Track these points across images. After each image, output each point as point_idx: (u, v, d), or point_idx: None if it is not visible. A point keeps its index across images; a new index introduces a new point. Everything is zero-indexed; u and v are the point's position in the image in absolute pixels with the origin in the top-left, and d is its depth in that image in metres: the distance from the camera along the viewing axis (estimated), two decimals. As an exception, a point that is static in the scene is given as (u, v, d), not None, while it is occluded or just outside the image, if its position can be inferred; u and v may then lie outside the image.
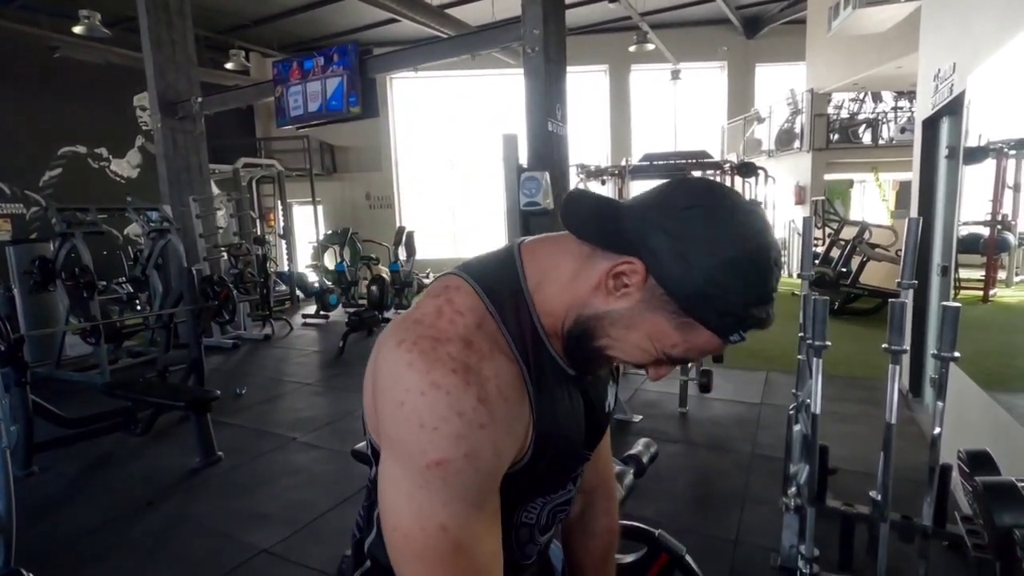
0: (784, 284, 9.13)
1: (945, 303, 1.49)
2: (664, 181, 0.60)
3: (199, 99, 6.28)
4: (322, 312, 7.64)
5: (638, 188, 9.34)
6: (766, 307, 0.55)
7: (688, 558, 1.14)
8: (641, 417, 3.60)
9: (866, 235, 6.54)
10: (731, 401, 3.89)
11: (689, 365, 3.80)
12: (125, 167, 9.77)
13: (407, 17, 8.57)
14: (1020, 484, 1.11)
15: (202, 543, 2.42)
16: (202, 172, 6.61)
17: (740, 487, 2.73)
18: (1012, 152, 2.74)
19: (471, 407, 0.52)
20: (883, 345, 1.57)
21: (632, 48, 10.01)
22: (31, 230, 8.21)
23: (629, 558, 1.28)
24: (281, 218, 9.11)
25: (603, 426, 0.74)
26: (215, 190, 7.80)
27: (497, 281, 0.60)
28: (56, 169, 8.81)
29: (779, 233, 10.35)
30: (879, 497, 1.69)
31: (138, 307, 6.67)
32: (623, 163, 8.66)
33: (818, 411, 1.73)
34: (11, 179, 8.22)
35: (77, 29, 7.48)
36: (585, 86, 12.20)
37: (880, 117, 10.44)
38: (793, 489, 2.06)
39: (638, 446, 2.01)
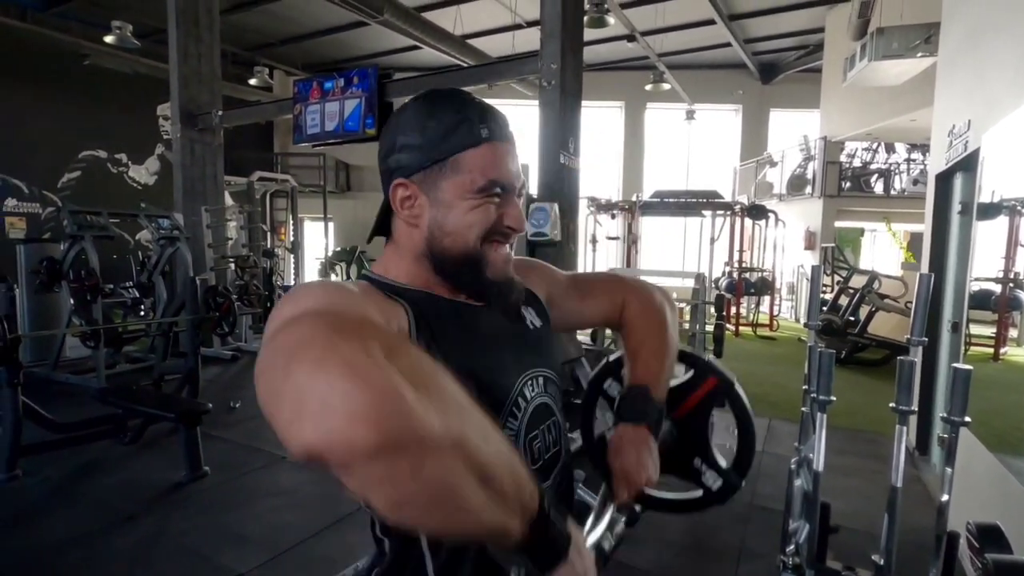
0: (792, 329, 9.04)
1: (956, 365, 1.44)
2: None
3: (220, 112, 6.39)
4: (324, 329, 7.61)
5: (648, 223, 9.38)
6: (471, 103, 0.66)
7: (738, 387, 1.01)
8: (638, 458, 3.50)
9: (875, 285, 6.48)
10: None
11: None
12: (143, 174, 9.92)
13: (429, 45, 8.76)
14: (1033, 565, 1.05)
15: (177, 563, 2.35)
16: (217, 183, 6.69)
17: (737, 539, 2.63)
18: (1026, 211, 2.71)
19: (331, 286, 0.55)
20: (891, 404, 1.52)
21: (648, 87, 10.15)
22: (45, 230, 8.30)
23: (674, 382, 1.16)
24: (292, 233, 9.18)
25: (539, 344, 0.76)
26: (229, 201, 7.89)
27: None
28: (75, 172, 8.96)
29: (788, 278, 10.31)
30: (882, 562, 1.61)
31: (142, 312, 6.68)
32: (634, 198, 8.69)
33: (821, 468, 1.67)
34: (30, 179, 8.36)
35: (108, 39, 7.70)
36: (600, 121, 12.36)
37: (893, 168, 10.47)
38: (792, 547, 1.97)
39: (632, 492, 1.96)
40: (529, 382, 0.71)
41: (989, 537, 1.17)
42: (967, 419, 1.42)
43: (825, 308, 7.10)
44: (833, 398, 1.66)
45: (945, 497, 1.49)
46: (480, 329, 0.68)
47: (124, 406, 3.31)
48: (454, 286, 0.68)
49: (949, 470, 1.48)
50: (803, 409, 2.06)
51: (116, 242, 6.85)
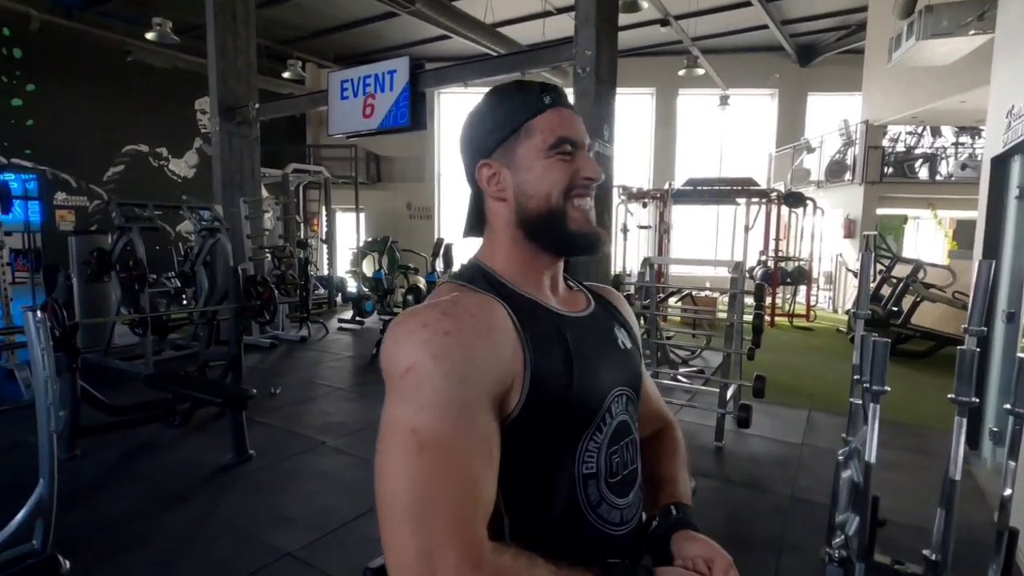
0: (829, 320, 8.81)
1: (1021, 355, 1.38)
2: None
3: (256, 105, 6.51)
4: (358, 318, 7.75)
5: (680, 212, 9.21)
6: (532, 82, 0.75)
7: None
8: (674, 448, 3.48)
9: (920, 274, 6.25)
10: (770, 439, 3.74)
11: (727, 397, 3.67)
12: (183, 167, 10.21)
13: (459, 34, 8.74)
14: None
15: (228, 542, 2.44)
16: (254, 175, 6.84)
17: (778, 531, 2.60)
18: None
19: (435, 318, 0.60)
20: (949, 395, 1.47)
21: (681, 72, 9.94)
22: (92, 222, 8.63)
23: None
24: (325, 223, 9.33)
25: (626, 363, 0.79)
26: (264, 193, 8.05)
27: (464, 271, 0.75)
28: (119, 165, 9.28)
29: (826, 267, 10.02)
30: (935, 557, 1.57)
31: (184, 302, 6.90)
32: (666, 187, 8.55)
33: (872, 460, 1.63)
34: (78, 173, 8.69)
35: (149, 35, 7.90)
36: (630, 108, 12.17)
37: (939, 152, 10.05)
38: (839, 540, 1.93)
39: (675, 481, 1.94)
40: (616, 399, 0.74)
41: (1059, 533, 1.13)
42: (1034, 411, 1.37)
43: (866, 298, 6.89)
44: (887, 388, 1.62)
45: (1008, 491, 1.44)
46: (578, 340, 0.70)
47: (173, 391, 3.44)
48: (545, 247, 0.73)
49: (1013, 463, 1.43)
50: (852, 400, 2.01)
51: (158, 233, 7.09)
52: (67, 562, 1.57)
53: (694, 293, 6.58)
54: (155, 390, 3.58)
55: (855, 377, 1.89)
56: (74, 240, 5.60)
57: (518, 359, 0.63)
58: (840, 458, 1.96)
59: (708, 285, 8.22)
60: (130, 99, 9.22)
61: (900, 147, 10.22)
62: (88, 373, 3.63)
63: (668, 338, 5.55)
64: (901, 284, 6.33)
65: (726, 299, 8.45)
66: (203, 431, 3.69)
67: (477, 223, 0.78)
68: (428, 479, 0.55)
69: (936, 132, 10.20)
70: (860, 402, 1.89)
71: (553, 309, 0.72)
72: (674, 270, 10.30)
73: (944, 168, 10.02)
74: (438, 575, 0.53)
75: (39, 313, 2.03)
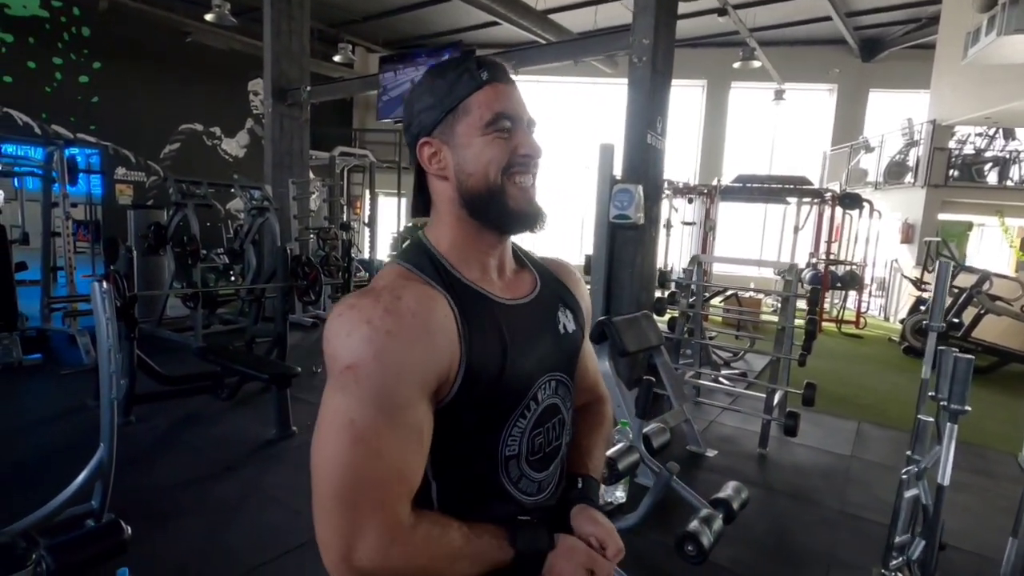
0: (880, 328, 8.44)
1: None
2: None
3: (308, 88, 6.61)
4: (396, 301, 7.82)
5: (725, 209, 8.95)
6: (470, 57, 0.73)
7: None
8: (716, 452, 3.39)
9: (986, 285, 5.91)
10: (818, 449, 3.60)
11: (774, 403, 3.56)
12: (234, 146, 10.50)
13: (510, 20, 8.65)
14: None
15: (272, 515, 2.50)
16: (303, 157, 6.96)
17: (826, 546, 2.50)
18: None
19: (378, 316, 0.62)
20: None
21: (736, 64, 9.61)
22: (149, 197, 8.98)
23: None
24: (368, 207, 9.45)
25: (563, 348, 0.80)
26: (311, 175, 8.20)
27: (411, 251, 0.75)
28: (175, 143, 9.60)
29: (879, 272, 9.59)
30: (1009, 590, 1.47)
31: (232, 278, 7.11)
32: (714, 182, 8.31)
33: (947, 482, 1.54)
34: (137, 149, 9.04)
35: (208, 17, 8.09)
36: (679, 100, 11.84)
37: (1012, 156, 9.44)
38: (897, 561, 1.84)
39: (727, 489, 1.87)
40: (544, 386, 0.77)
41: None
42: None
43: (923, 307, 6.57)
44: (968, 407, 1.52)
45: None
46: (514, 329, 0.73)
47: (222, 364, 3.54)
48: (487, 225, 0.74)
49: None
50: (920, 416, 1.89)
51: (210, 210, 7.32)
52: (128, 527, 1.62)
53: (739, 294, 6.39)
54: (205, 362, 3.69)
55: (930, 394, 1.78)
56: (133, 214, 5.83)
57: (455, 353, 0.66)
58: (904, 476, 1.86)
59: (752, 285, 7.99)
60: (187, 79, 9.51)
61: (968, 149, 9.64)
62: (141, 343, 3.78)
63: (711, 338, 5.41)
64: (965, 295, 6.00)
65: (771, 300, 8.19)
66: (248, 405, 3.79)
67: (424, 202, 0.78)
68: (360, 468, 0.61)
69: (1009, 134, 9.58)
70: (929, 419, 1.78)
71: (494, 298, 0.74)
72: (716, 268, 10.04)
73: (1016, 173, 9.41)
74: (357, 551, 0.60)
75: (104, 284, 2.10)
